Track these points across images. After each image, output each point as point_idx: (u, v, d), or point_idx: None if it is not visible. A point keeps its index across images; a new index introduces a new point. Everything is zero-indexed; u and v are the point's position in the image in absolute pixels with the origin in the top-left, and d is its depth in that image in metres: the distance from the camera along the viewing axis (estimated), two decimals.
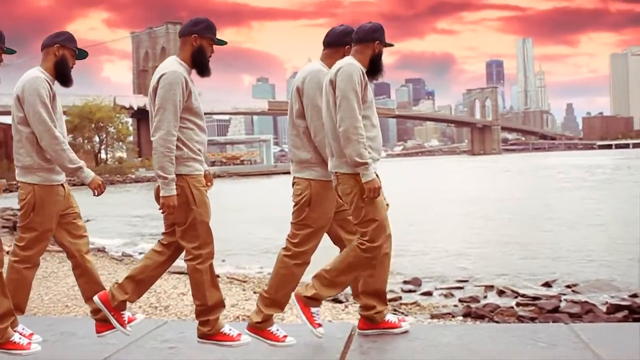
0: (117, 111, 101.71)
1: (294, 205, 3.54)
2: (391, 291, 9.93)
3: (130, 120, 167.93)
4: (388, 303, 3.81)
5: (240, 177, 70.04)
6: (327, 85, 3.46)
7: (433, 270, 12.68)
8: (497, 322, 8.27)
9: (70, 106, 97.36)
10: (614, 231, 17.79)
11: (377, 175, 3.44)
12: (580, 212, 23.21)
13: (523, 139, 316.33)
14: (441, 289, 10.82)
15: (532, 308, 9.10)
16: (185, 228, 3.40)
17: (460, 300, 9.82)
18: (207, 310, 3.45)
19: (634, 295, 9.99)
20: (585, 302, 9.13)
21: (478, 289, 10.67)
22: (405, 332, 3.73)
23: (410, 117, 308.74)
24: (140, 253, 15.50)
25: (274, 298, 3.54)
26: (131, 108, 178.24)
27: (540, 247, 15.58)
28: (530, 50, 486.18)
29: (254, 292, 9.68)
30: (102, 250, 17.15)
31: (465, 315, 8.62)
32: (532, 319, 8.47)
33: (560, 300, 9.54)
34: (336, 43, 3.59)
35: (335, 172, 3.49)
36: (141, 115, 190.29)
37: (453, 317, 8.57)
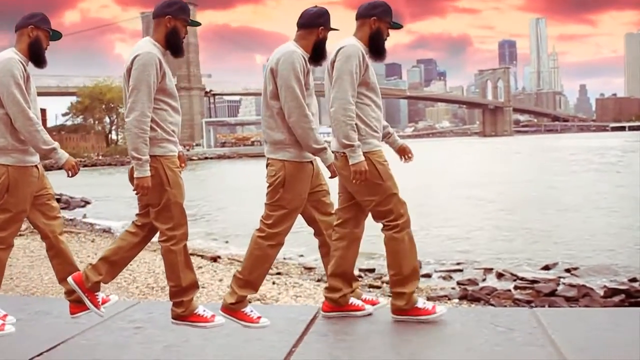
0: None
1: (268, 187, 3.55)
2: None
3: None
4: (356, 285, 3.82)
5: (250, 158, 70.32)
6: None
7: (434, 252, 12.67)
8: (492, 305, 8.31)
9: (81, 87, 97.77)
10: (619, 215, 17.72)
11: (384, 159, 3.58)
12: (587, 195, 23.09)
13: (535, 120, 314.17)
14: (440, 271, 10.85)
15: (530, 291, 9.12)
16: (159, 209, 3.42)
17: (458, 283, 9.85)
18: (181, 292, 3.48)
19: (633, 280, 9.98)
20: (583, 285, 9.14)
21: (477, 272, 10.69)
22: (369, 314, 3.75)
23: (422, 98, 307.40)
24: None
25: (248, 279, 3.56)
26: None
27: (544, 230, 15.55)
28: (544, 31, 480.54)
29: None
30: (107, 231, 17.34)
31: (462, 298, 8.66)
32: (529, 302, 8.51)
33: (559, 284, 9.55)
34: (309, 24, 3.56)
35: (334, 152, 3.57)
36: None
37: (449, 299, 8.61)
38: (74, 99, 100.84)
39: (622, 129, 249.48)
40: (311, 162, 3.60)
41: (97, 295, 3.56)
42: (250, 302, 3.67)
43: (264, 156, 3.64)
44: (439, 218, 17.74)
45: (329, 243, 3.76)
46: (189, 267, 3.50)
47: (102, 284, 3.55)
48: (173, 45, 3.47)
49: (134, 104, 3.32)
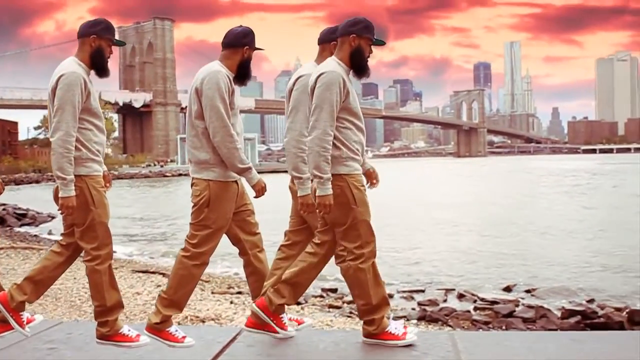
0: (102, 107, 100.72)
1: (193, 206, 3.54)
2: None
3: (115, 116, 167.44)
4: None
5: None
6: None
7: (400, 273, 12.70)
8: (450, 326, 8.31)
9: None
10: (582, 238, 17.96)
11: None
12: (554, 217, 23.41)
13: (509, 141, 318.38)
14: (403, 292, 10.84)
15: (489, 312, 9.15)
16: (84, 229, 3.42)
17: (419, 304, 9.85)
18: (106, 312, 3.46)
19: (591, 301, 10.09)
20: (541, 307, 9.20)
21: (439, 293, 10.71)
22: (291, 337, 3.71)
23: (397, 118, 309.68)
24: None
25: (173, 299, 3.53)
26: (117, 104, 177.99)
27: (509, 252, 15.65)
28: (518, 54, 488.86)
29: (212, 292, 9.67)
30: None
31: (420, 319, 8.63)
32: (487, 323, 8.53)
33: (518, 305, 9.60)
34: (234, 44, 3.57)
35: (295, 176, 3.59)
36: (127, 111, 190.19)
37: (408, 320, 8.58)
38: (47, 112, 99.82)
39: (593, 151, 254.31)
40: (236, 181, 3.60)
41: (21, 314, 3.51)
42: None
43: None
44: (405, 239, 17.80)
45: (254, 263, 3.74)
46: (114, 287, 3.49)
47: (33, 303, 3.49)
48: (98, 65, 3.49)
49: (59, 123, 3.34)
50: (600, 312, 9.02)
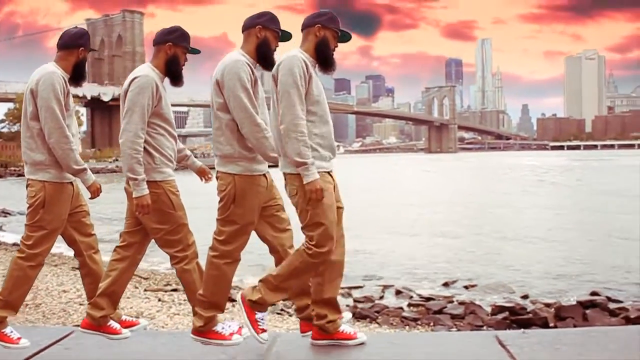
0: None
1: (28, 207, 3.53)
2: None
3: (83, 109, 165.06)
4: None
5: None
6: (27, 94, 3.49)
7: (352, 271, 12.71)
8: (378, 323, 8.36)
9: (20, 93, 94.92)
10: (537, 235, 18.06)
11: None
12: (511, 215, 23.69)
13: (479, 138, 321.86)
14: (341, 288, 10.85)
15: (420, 309, 9.23)
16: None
17: (354, 300, 9.89)
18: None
19: (525, 297, 10.25)
20: (471, 303, 9.31)
21: (377, 289, 10.77)
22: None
23: (369, 114, 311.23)
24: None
25: (8, 300, 3.51)
26: (84, 97, 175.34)
27: (461, 248, 15.82)
28: (489, 51, 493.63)
29: (145, 290, 9.59)
30: (17, 244, 16.78)
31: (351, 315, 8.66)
32: (415, 320, 8.60)
33: (452, 302, 9.70)
34: (70, 45, 3.59)
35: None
36: (95, 105, 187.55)
37: None
38: (12, 105, 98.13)
39: (561, 148, 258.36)
40: (71, 183, 3.62)
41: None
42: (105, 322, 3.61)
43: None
44: (356, 235, 17.80)
45: (89, 264, 3.74)
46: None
47: None
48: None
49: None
50: (530, 308, 9.18)
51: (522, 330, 4.57)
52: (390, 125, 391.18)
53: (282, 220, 3.57)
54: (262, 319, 3.48)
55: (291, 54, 3.37)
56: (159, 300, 8.52)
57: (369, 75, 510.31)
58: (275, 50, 3.46)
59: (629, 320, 8.26)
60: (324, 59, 3.44)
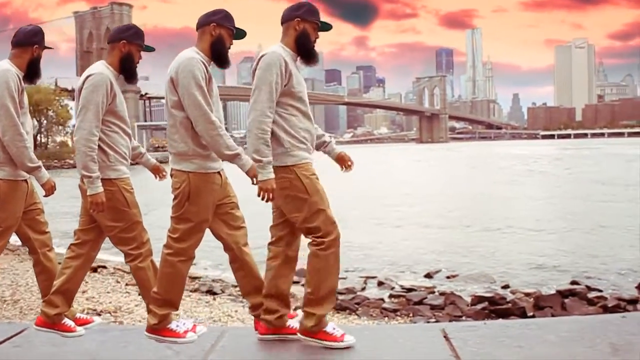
0: (57, 94, 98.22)
1: None
2: None
3: (72, 103, 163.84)
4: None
5: None
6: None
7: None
8: (357, 315, 8.40)
9: None
10: (524, 225, 18.05)
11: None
12: (500, 205, 23.73)
13: (470, 127, 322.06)
14: None
15: (401, 300, 9.27)
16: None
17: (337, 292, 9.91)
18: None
19: (506, 287, 10.32)
20: (451, 293, 9.36)
21: (359, 280, 10.82)
22: (80, 336, 3.70)
23: (360, 105, 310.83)
24: None
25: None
26: (73, 90, 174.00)
27: (446, 238, 15.86)
28: (479, 41, 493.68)
29: (126, 284, 9.61)
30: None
31: None
32: (395, 311, 8.65)
33: (433, 292, 9.75)
34: (24, 43, 3.59)
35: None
36: None
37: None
38: None
39: (552, 137, 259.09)
40: (26, 180, 3.63)
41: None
42: (100, 314, 3.66)
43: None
44: (353, 227, 17.80)
45: (43, 262, 3.77)
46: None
47: None
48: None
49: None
50: (510, 298, 9.24)
51: (483, 321, 4.60)
52: (382, 116, 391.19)
53: (237, 218, 3.57)
54: (334, 328, 3.50)
55: (272, 49, 3.37)
56: (139, 294, 8.50)
57: (360, 66, 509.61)
58: (229, 48, 3.45)
59: (606, 309, 8.35)
60: (305, 52, 3.45)
